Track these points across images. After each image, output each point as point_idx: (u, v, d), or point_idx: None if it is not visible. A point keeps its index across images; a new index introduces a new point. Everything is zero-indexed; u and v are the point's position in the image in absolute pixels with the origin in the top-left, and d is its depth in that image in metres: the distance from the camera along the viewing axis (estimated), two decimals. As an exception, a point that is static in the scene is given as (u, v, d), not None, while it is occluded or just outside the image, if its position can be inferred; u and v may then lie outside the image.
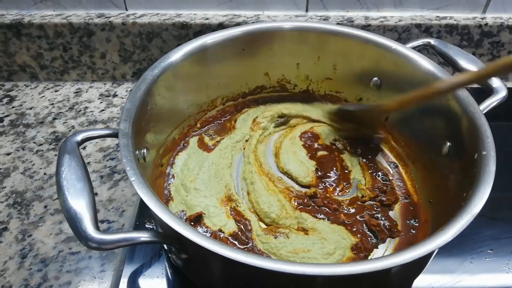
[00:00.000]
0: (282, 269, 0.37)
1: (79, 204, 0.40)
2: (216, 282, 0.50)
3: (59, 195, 0.41)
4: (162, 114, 0.60)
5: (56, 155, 0.70)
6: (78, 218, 0.39)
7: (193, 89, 0.66)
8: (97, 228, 0.40)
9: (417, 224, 0.58)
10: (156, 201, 0.42)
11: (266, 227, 0.57)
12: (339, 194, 0.62)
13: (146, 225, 0.59)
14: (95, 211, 0.41)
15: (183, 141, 0.68)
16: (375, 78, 0.67)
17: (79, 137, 0.46)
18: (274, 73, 0.72)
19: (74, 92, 0.85)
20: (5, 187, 0.66)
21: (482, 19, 0.83)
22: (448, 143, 0.56)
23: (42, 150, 0.72)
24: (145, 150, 0.55)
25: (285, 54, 0.69)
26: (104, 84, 0.88)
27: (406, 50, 0.61)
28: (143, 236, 0.42)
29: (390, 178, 0.64)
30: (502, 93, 0.56)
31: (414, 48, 0.63)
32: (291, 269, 0.37)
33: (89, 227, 0.39)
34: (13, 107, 0.82)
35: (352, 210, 0.59)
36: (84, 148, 0.72)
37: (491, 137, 0.49)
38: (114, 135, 0.48)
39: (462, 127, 0.53)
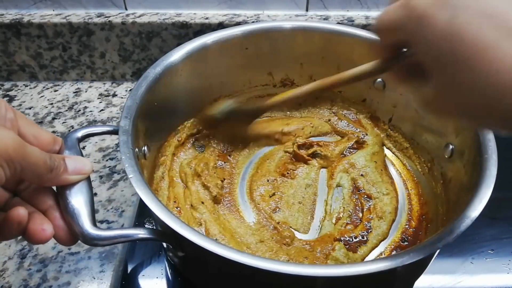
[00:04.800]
0: (278, 269, 0.37)
1: (77, 200, 0.40)
2: (212, 280, 0.50)
3: (57, 190, 0.41)
4: (164, 112, 0.60)
5: (55, 155, 0.70)
6: (76, 214, 0.39)
7: (195, 88, 0.66)
8: (94, 224, 0.40)
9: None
10: (154, 199, 0.42)
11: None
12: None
13: (146, 225, 0.59)
14: (93, 208, 0.41)
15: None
16: (379, 79, 0.66)
17: (79, 134, 0.46)
18: (277, 73, 0.71)
19: (74, 92, 0.85)
20: (4, 187, 0.66)
21: (483, 18, 0.82)
22: (450, 146, 0.56)
23: (41, 150, 0.72)
24: (145, 148, 0.54)
25: (289, 54, 0.68)
26: (104, 83, 0.87)
27: None
28: (140, 233, 0.42)
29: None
30: None
31: None
32: (287, 270, 0.37)
33: (86, 223, 0.39)
34: (13, 106, 0.81)
35: None
36: (83, 148, 0.72)
37: (493, 140, 0.49)
38: (115, 132, 0.48)
39: (465, 129, 0.53)
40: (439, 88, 0.33)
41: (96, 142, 0.73)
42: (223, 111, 0.64)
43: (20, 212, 0.36)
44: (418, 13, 0.32)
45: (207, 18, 0.80)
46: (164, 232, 0.43)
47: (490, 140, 0.49)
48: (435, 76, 0.33)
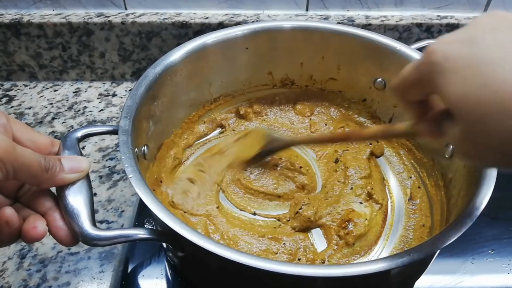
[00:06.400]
0: (278, 270, 0.37)
1: (77, 200, 0.40)
2: (212, 280, 0.51)
3: (57, 190, 0.41)
4: (163, 111, 0.60)
5: (55, 155, 0.70)
6: (75, 214, 0.39)
7: (195, 88, 0.66)
8: (94, 224, 0.40)
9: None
10: (154, 199, 0.42)
11: None
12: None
13: (146, 225, 0.59)
14: (92, 208, 0.41)
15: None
16: (379, 79, 0.66)
17: (79, 133, 0.46)
18: (277, 73, 0.71)
19: (73, 92, 0.85)
20: (3, 187, 0.66)
21: (483, 18, 0.82)
22: (451, 146, 0.56)
23: (41, 150, 0.72)
24: (145, 148, 0.54)
25: (289, 54, 0.68)
26: (103, 83, 0.87)
27: (410, 51, 0.61)
28: (140, 233, 0.41)
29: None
30: None
31: (418, 49, 0.62)
32: (287, 270, 0.37)
33: (85, 223, 0.39)
34: (12, 106, 0.81)
35: None
36: (83, 148, 0.72)
37: None
38: (114, 132, 0.48)
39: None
40: (469, 124, 0.29)
41: (96, 142, 0.73)
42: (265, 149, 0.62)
43: (6, 211, 0.36)
44: (439, 54, 0.30)
45: (207, 18, 0.80)
46: (164, 232, 0.43)
47: (491, 140, 0.49)
48: (460, 112, 0.29)
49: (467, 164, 0.33)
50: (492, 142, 0.28)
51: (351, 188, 0.60)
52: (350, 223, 0.55)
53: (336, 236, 0.55)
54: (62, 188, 0.40)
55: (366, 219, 0.56)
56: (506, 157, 0.28)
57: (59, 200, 0.40)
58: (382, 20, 0.81)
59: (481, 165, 0.32)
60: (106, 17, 0.80)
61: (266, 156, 0.63)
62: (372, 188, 0.60)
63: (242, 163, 0.63)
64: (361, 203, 0.59)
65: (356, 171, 0.62)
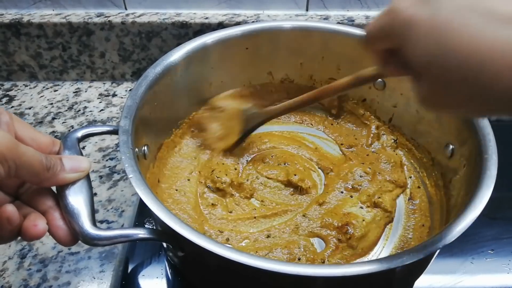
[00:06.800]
0: (278, 269, 0.37)
1: (77, 200, 0.40)
2: (212, 280, 0.51)
3: (57, 190, 0.41)
4: (164, 111, 0.60)
5: (55, 154, 0.70)
6: (76, 214, 0.39)
7: (195, 88, 0.66)
8: (94, 224, 0.40)
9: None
10: (154, 199, 0.42)
11: None
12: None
13: (146, 225, 0.59)
14: (93, 208, 0.41)
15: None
16: (379, 79, 0.66)
17: (79, 133, 0.46)
18: (277, 73, 0.71)
19: (73, 92, 0.85)
20: (4, 187, 0.66)
21: (483, 18, 0.82)
22: (451, 146, 0.56)
23: (41, 150, 0.72)
24: (145, 148, 0.54)
25: (289, 54, 0.68)
26: (104, 83, 0.87)
27: None
28: (140, 233, 0.42)
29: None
30: None
31: None
32: (287, 270, 0.37)
33: (86, 223, 0.39)
34: (12, 106, 0.81)
35: None
36: (83, 148, 0.72)
37: (493, 140, 0.49)
38: (115, 132, 0.48)
39: (465, 129, 0.53)
40: (432, 84, 0.33)
41: (96, 142, 0.73)
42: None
43: (8, 208, 0.36)
44: (402, 16, 0.33)
45: (207, 18, 0.80)
46: (164, 232, 0.43)
47: (491, 140, 0.49)
48: (424, 73, 0.33)
49: (424, 109, 0.36)
50: (451, 88, 0.31)
51: (351, 197, 0.60)
52: (349, 227, 0.55)
53: (334, 238, 0.55)
54: (63, 187, 0.40)
55: (363, 220, 0.56)
56: (463, 103, 0.32)
57: (60, 200, 0.40)
58: (382, 20, 0.81)
59: (442, 111, 0.37)
60: (106, 17, 0.80)
61: (248, 135, 0.65)
62: (379, 197, 0.59)
63: (226, 149, 0.65)
64: (361, 207, 0.59)
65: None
